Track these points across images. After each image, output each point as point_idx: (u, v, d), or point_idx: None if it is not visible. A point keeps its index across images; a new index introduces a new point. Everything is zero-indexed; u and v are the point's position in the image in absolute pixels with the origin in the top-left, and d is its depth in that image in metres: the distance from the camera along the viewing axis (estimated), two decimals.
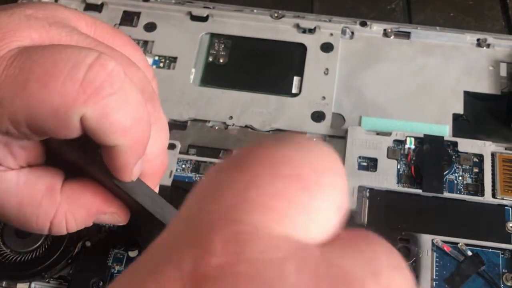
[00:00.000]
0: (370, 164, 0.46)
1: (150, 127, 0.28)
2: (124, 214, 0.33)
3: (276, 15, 0.54)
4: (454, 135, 0.48)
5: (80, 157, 0.30)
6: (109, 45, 0.30)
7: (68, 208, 0.31)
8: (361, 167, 0.46)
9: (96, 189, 0.32)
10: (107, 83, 0.26)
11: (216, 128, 0.49)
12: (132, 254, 0.42)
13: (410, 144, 0.46)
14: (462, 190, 0.45)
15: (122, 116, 0.26)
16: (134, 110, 0.27)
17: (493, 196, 0.44)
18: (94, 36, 0.30)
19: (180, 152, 0.46)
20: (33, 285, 0.41)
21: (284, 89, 0.51)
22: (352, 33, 0.53)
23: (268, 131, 0.49)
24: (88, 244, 0.42)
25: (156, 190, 0.34)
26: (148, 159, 0.30)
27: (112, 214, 0.33)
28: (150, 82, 0.31)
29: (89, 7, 0.55)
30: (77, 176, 0.32)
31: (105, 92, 0.26)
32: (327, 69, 0.51)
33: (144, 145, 0.29)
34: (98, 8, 0.55)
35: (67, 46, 0.27)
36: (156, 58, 0.52)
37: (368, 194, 0.44)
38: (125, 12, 0.55)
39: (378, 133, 0.47)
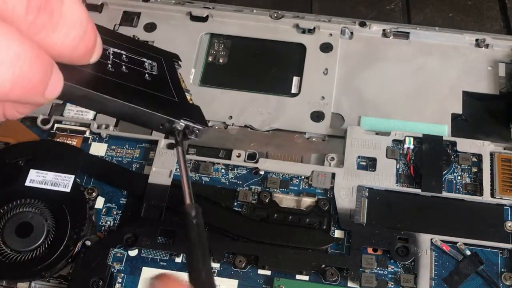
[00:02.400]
0: (369, 164, 0.46)
1: (43, 63, 0.25)
2: None
3: (275, 15, 0.54)
4: (453, 135, 0.48)
5: None
6: None
7: None
8: (360, 167, 0.46)
9: None
10: None
11: (216, 127, 0.49)
12: (132, 253, 0.42)
13: (409, 143, 0.46)
14: (461, 189, 0.45)
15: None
16: (10, 69, 0.23)
17: (492, 195, 0.44)
18: None
19: None
20: (33, 284, 0.41)
21: (283, 89, 0.51)
22: (351, 33, 0.54)
23: (268, 130, 0.49)
24: (88, 243, 0.42)
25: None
26: (68, 56, 0.27)
27: None
28: None
29: (89, 7, 0.55)
30: None
31: None
32: (326, 69, 0.51)
33: (40, 86, 0.25)
34: (98, 8, 0.55)
35: None
36: None
37: (367, 194, 0.44)
38: (125, 12, 0.55)
39: (377, 133, 0.47)
